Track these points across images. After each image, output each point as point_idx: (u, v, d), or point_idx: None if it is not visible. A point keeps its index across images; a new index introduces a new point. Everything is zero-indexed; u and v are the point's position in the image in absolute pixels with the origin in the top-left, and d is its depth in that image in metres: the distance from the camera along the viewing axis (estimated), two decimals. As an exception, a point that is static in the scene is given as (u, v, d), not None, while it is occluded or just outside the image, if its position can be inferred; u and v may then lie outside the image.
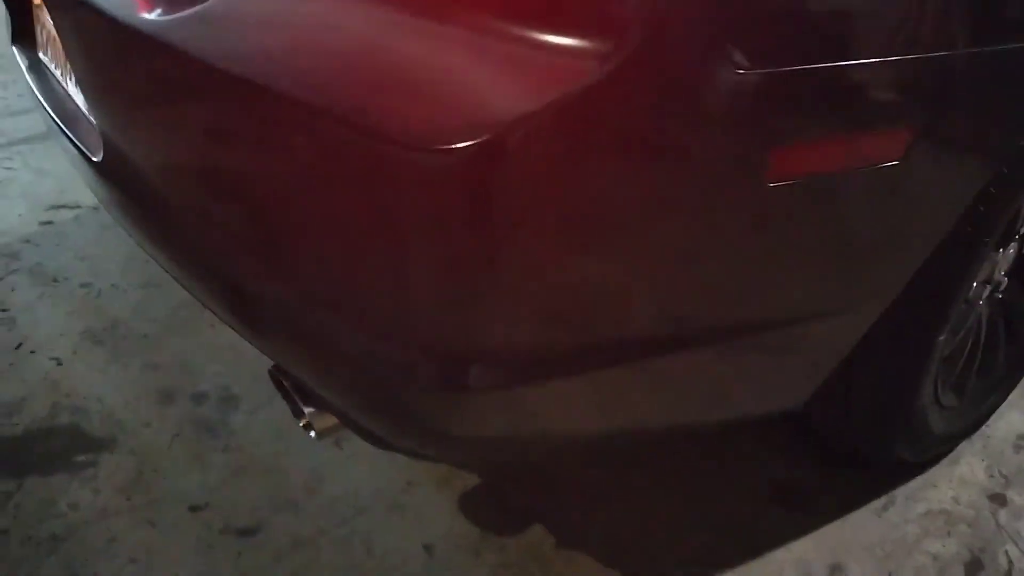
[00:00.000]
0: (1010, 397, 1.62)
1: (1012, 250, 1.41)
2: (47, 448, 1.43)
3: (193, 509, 1.34)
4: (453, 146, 0.70)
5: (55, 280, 1.83)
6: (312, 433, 1.10)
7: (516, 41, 0.70)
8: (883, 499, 1.45)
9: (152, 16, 0.90)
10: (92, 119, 1.14)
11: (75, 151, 1.17)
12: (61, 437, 1.45)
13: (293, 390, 1.05)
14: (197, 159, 0.99)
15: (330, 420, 1.06)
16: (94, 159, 1.12)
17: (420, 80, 0.73)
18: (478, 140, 0.70)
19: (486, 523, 1.34)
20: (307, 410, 1.06)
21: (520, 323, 0.85)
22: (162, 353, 1.64)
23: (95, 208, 2.08)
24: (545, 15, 0.70)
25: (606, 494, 1.40)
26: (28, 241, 1.95)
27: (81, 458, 1.41)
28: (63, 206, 2.10)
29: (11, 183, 2.18)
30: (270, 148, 0.84)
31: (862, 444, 1.46)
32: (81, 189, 2.15)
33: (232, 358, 1.63)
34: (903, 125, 0.90)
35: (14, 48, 1.46)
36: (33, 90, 1.34)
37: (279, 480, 1.39)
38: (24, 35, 1.44)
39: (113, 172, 1.13)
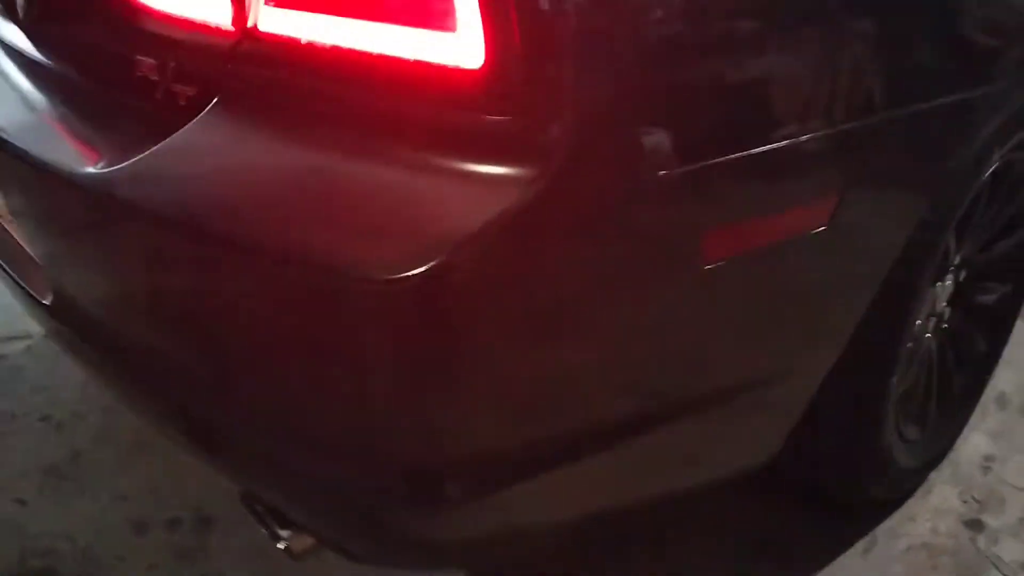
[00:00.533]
0: (971, 420, 1.66)
1: (948, 281, 1.46)
2: (20, 599, 1.39)
3: (177, 644, 1.31)
4: (403, 274, 0.73)
5: (13, 416, 1.79)
6: (291, 557, 1.09)
7: (449, 172, 0.74)
8: (866, 540, 1.47)
9: (93, 169, 0.92)
10: (40, 264, 1.15)
11: (25, 295, 1.17)
12: (34, 584, 1.41)
13: (267, 514, 1.05)
14: (146, 300, 1.00)
15: (309, 541, 1.05)
16: (44, 302, 1.12)
17: (365, 215, 0.76)
18: (427, 265, 0.73)
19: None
20: (283, 533, 1.05)
21: (488, 428, 0.87)
22: (130, 480, 1.61)
23: (46, 336, 2.05)
24: (475, 149, 0.74)
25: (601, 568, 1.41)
26: (-19, 378, 1.91)
27: (57, 604, 1.38)
28: (13, 338, 2.07)
29: (-42, 320, 2.15)
30: (219, 289, 0.86)
31: (834, 487, 1.49)
32: (29, 319, 2.12)
33: (203, 478, 1.60)
34: (825, 194, 0.95)
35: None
36: None
37: (264, 601, 1.37)
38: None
39: (63, 314, 1.13)
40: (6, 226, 1.29)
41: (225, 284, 0.84)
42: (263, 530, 1.11)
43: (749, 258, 0.93)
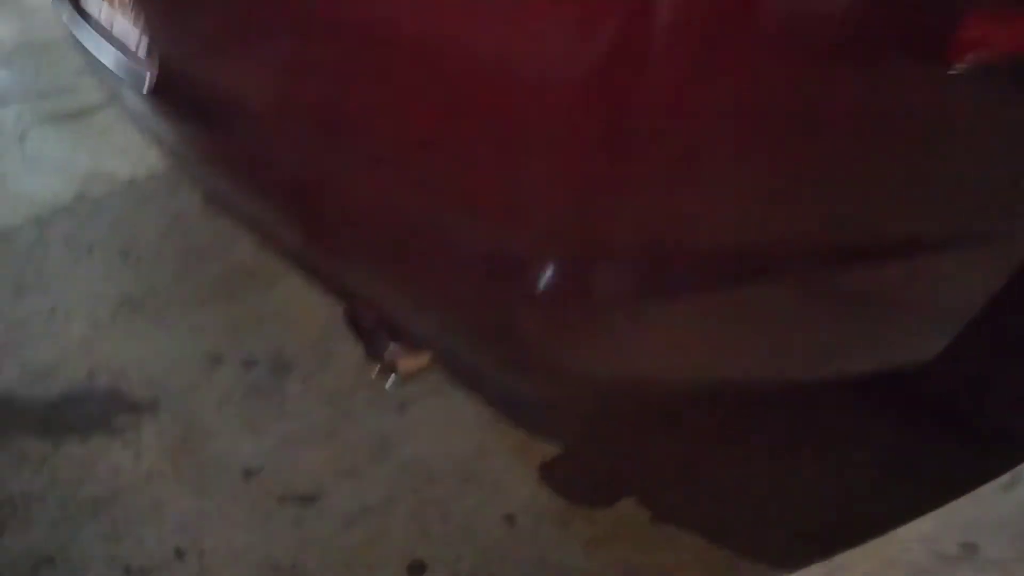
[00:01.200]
0: None
1: None
2: (84, 411, 1.30)
3: (247, 474, 1.20)
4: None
5: (90, 249, 1.71)
6: (392, 379, 0.97)
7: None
8: (1008, 476, 1.30)
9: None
10: (141, 51, 1.04)
11: (126, 90, 1.07)
12: (99, 401, 1.32)
13: (376, 327, 0.92)
14: (272, 59, 0.88)
15: (416, 359, 0.93)
16: (144, 92, 1.01)
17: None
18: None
19: (572, 494, 1.20)
20: (391, 346, 0.93)
21: (653, 223, 0.73)
22: (207, 318, 1.51)
23: (131, 181, 1.96)
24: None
25: (702, 466, 1.26)
26: (63, 210, 1.83)
27: (121, 421, 1.28)
28: (98, 179, 1.99)
29: (45, 158, 2.08)
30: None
31: (981, 416, 1.31)
32: (116, 161, 2.04)
33: (283, 324, 1.50)
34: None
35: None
36: (76, 38, 1.23)
37: (340, 447, 1.26)
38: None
39: (166, 100, 1.01)
40: (108, 26, 1.18)
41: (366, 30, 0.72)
42: (364, 346, 0.99)
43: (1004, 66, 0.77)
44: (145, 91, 1.01)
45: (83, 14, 1.28)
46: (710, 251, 0.78)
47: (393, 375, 0.97)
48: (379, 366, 1.00)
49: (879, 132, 0.78)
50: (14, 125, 2.22)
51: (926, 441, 1.33)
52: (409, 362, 0.93)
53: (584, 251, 0.73)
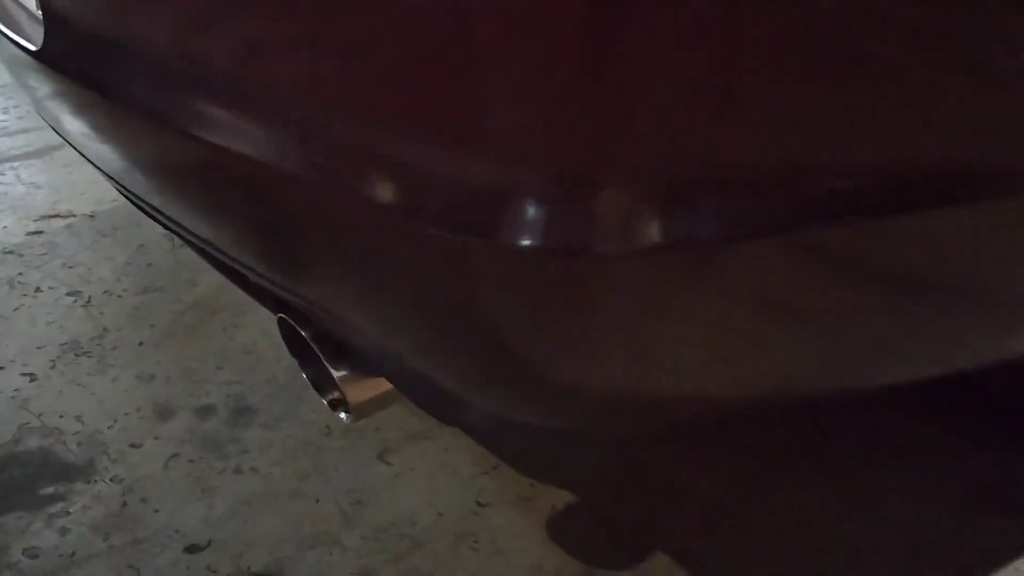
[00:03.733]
0: None
1: None
2: (7, 480, 1.09)
3: (191, 550, 0.99)
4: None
5: (38, 290, 1.52)
6: (344, 415, 0.76)
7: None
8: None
9: None
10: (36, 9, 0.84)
11: (14, 47, 0.87)
12: (25, 466, 1.11)
13: (316, 343, 0.71)
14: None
15: (371, 386, 0.71)
16: (32, 48, 0.82)
17: None
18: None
19: (588, 553, 0.98)
20: (337, 374, 0.71)
21: (683, 129, 0.48)
22: (160, 362, 1.31)
23: (90, 216, 1.78)
24: None
25: (749, 509, 1.03)
26: (11, 252, 1.65)
27: (48, 490, 1.07)
28: (56, 216, 1.81)
29: (0, 196, 1.91)
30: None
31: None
32: (76, 198, 1.86)
33: (246, 366, 1.30)
34: None
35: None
36: None
37: (307, 508, 1.04)
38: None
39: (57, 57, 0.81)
40: None
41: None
42: (306, 373, 0.78)
43: None
44: (37, 48, 0.81)
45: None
46: (754, 182, 0.52)
47: (343, 411, 0.75)
48: (327, 399, 0.78)
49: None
50: (-28, 165, 2.06)
51: (1012, 465, 1.09)
52: (358, 390, 0.72)
53: (575, 177, 0.48)
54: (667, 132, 0.48)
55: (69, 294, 1.50)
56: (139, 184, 0.77)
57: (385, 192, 0.52)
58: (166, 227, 0.81)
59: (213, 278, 1.46)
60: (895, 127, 0.56)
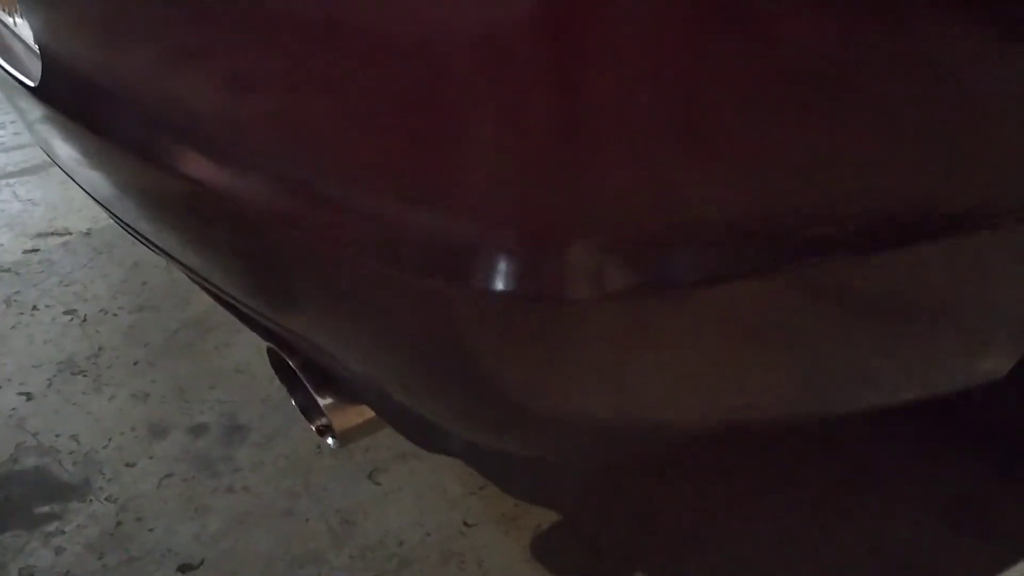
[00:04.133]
0: None
1: None
2: (3, 499, 1.11)
3: (185, 569, 1.01)
4: None
5: (35, 308, 1.54)
6: (331, 440, 0.78)
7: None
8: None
9: None
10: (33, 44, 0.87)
11: (13, 82, 0.89)
12: (22, 485, 1.14)
13: (302, 372, 0.74)
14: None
15: (356, 414, 0.74)
16: (31, 84, 0.84)
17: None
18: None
19: (572, 572, 1.00)
20: (323, 402, 0.74)
21: (645, 186, 0.51)
22: (155, 381, 1.33)
23: (86, 233, 1.81)
24: None
25: (733, 527, 1.05)
26: (8, 270, 1.67)
27: (44, 509, 1.10)
28: (52, 233, 1.83)
29: (-3, 215, 1.93)
30: None
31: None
32: (72, 215, 1.89)
33: (240, 385, 1.32)
34: None
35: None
36: None
37: (297, 527, 1.06)
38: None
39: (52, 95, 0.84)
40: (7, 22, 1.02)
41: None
42: (295, 400, 0.81)
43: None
44: (35, 84, 0.84)
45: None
46: (720, 228, 0.56)
47: (330, 436, 0.78)
48: (315, 425, 0.81)
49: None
50: (-30, 182, 2.09)
51: (1003, 483, 1.12)
52: (344, 417, 0.74)
53: (544, 232, 0.51)
54: (628, 190, 0.51)
55: (65, 312, 1.53)
56: (127, 213, 0.79)
57: (365, 240, 0.55)
58: (156, 252, 0.83)
59: (207, 297, 1.48)
60: (860, 169, 0.59)
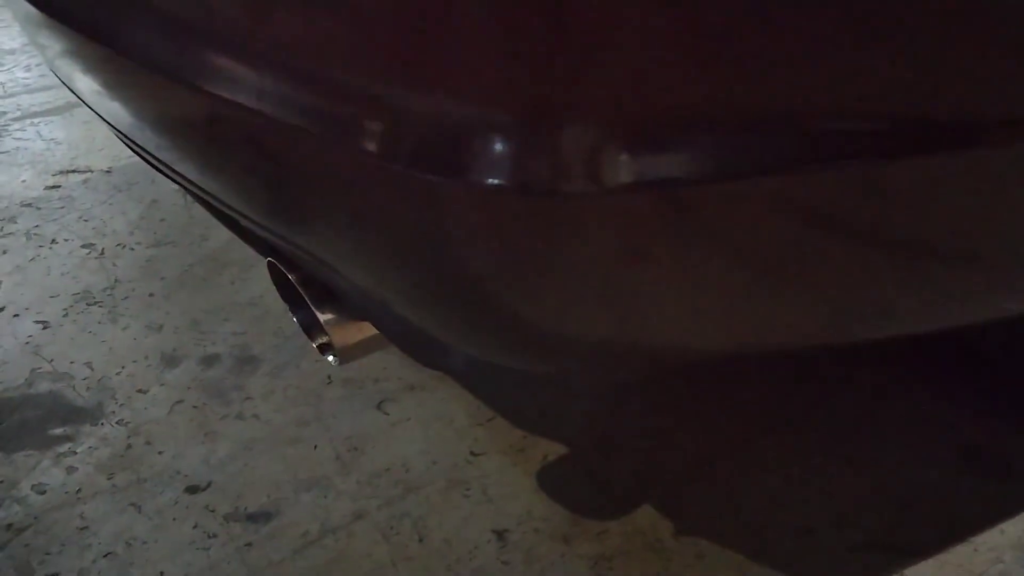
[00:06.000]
0: None
1: None
2: (17, 421, 1.13)
3: (191, 490, 1.02)
4: None
5: (54, 242, 1.55)
6: (332, 358, 0.78)
7: None
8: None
9: None
10: None
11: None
12: (36, 407, 1.15)
13: (303, 288, 0.73)
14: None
15: (356, 330, 0.73)
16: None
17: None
18: None
19: (576, 503, 1.00)
20: (324, 318, 0.73)
21: (656, 60, 0.48)
22: (169, 313, 1.34)
23: (107, 171, 1.81)
24: None
25: (739, 463, 1.04)
26: (29, 205, 1.69)
27: (57, 431, 1.11)
28: (73, 171, 1.84)
29: (20, 152, 1.94)
30: None
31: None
32: (94, 154, 1.89)
33: (253, 317, 1.32)
34: None
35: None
36: None
37: (305, 453, 1.07)
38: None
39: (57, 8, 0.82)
40: None
41: None
42: (296, 317, 0.80)
43: None
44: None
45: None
46: (734, 119, 0.51)
47: (331, 353, 0.78)
48: (316, 343, 0.81)
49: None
50: (-5, 121, 2.10)
51: (1014, 426, 1.09)
52: (344, 334, 0.74)
53: (538, 113, 0.48)
54: (635, 67, 0.48)
55: (83, 246, 1.54)
56: (129, 127, 0.79)
57: (355, 133, 0.53)
58: (157, 169, 0.83)
59: (224, 233, 1.48)
60: (879, 67, 0.56)
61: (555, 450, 1.06)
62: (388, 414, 1.12)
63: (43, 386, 1.19)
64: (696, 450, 1.06)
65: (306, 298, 0.73)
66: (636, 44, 0.47)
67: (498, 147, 0.49)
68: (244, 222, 0.75)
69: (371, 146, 0.53)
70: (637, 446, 1.07)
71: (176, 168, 0.75)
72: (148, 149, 0.77)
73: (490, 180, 0.49)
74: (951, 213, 0.70)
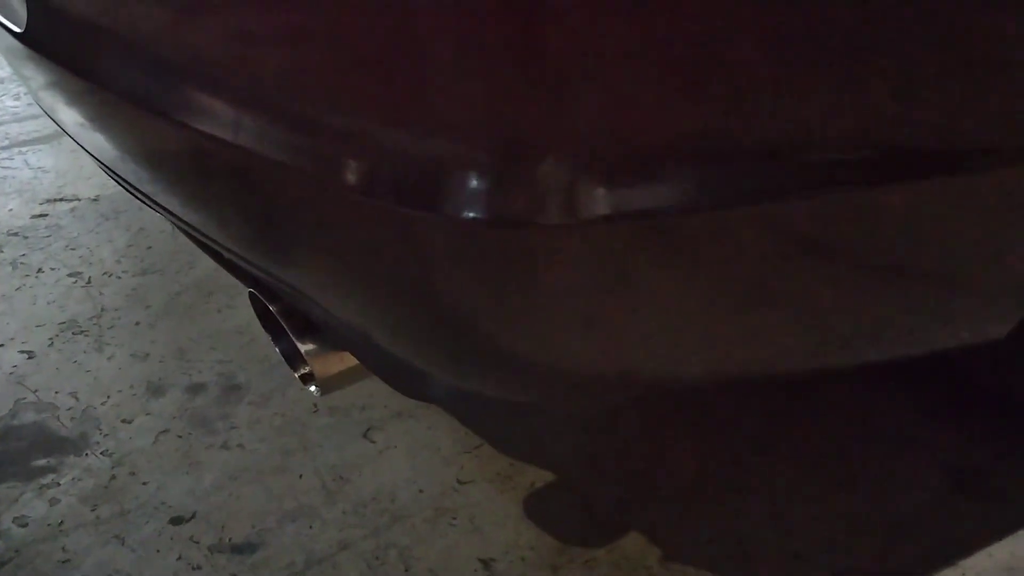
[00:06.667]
0: None
1: None
2: (1, 452, 1.12)
3: (176, 521, 1.01)
4: None
5: (40, 271, 1.55)
6: (313, 388, 0.77)
7: None
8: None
9: None
10: None
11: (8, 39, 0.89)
12: (19, 439, 1.14)
13: (284, 319, 0.73)
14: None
15: (337, 361, 0.73)
16: (16, 30, 0.84)
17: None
18: None
19: (564, 531, 0.99)
20: (304, 348, 0.73)
21: (628, 97, 0.49)
22: (155, 341, 1.33)
23: (94, 200, 1.81)
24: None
25: (725, 488, 1.04)
26: (16, 234, 1.68)
27: (41, 462, 1.10)
28: (60, 199, 1.84)
29: (8, 180, 1.94)
30: None
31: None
32: (81, 183, 1.89)
33: (239, 345, 1.32)
34: None
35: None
36: None
37: (291, 483, 1.06)
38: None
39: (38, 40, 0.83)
40: None
41: None
42: (277, 347, 0.80)
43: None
44: (20, 30, 0.83)
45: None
46: (707, 152, 0.53)
47: (313, 384, 0.77)
48: (298, 373, 0.81)
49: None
50: (-17, 150, 2.10)
51: (1001, 449, 1.09)
52: (325, 364, 0.74)
53: (515, 148, 0.49)
54: (605, 106, 0.49)
55: (70, 275, 1.53)
56: (111, 159, 0.79)
57: (336, 168, 0.54)
58: (141, 200, 0.83)
59: (210, 261, 1.48)
60: (857, 96, 0.56)
61: (542, 477, 1.06)
62: (374, 442, 1.12)
63: (27, 416, 1.18)
64: (684, 475, 1.06)
65: (287, 329, 0.73)
66: (606, 84, 0.47)
67: (476, 182, 0.49)
68: (227, 254, 0.75)
69: (352, 181, 0.53)
70: (624, 472, 1.06)
71: (159, 200, 0.75)
72: (130, 181, 0.78)
73: (470, 214, 0.50)
74: (932, 239, 0.70)
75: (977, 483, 1.05)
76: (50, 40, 0.81)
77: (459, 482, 1.05)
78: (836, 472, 1.06)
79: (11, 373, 1.27)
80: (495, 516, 1.00)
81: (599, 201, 0.50)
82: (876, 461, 1.08)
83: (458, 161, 0.50)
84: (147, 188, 0.76)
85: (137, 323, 1.38)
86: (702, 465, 1.07)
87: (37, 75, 0.86)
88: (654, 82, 0.49)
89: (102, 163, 0.85)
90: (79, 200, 1.83)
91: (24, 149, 2.11)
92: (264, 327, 0.80)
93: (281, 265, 0.66)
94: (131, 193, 0.84)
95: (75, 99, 0.80)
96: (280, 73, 0.56)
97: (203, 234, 0.73)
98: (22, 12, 0.84)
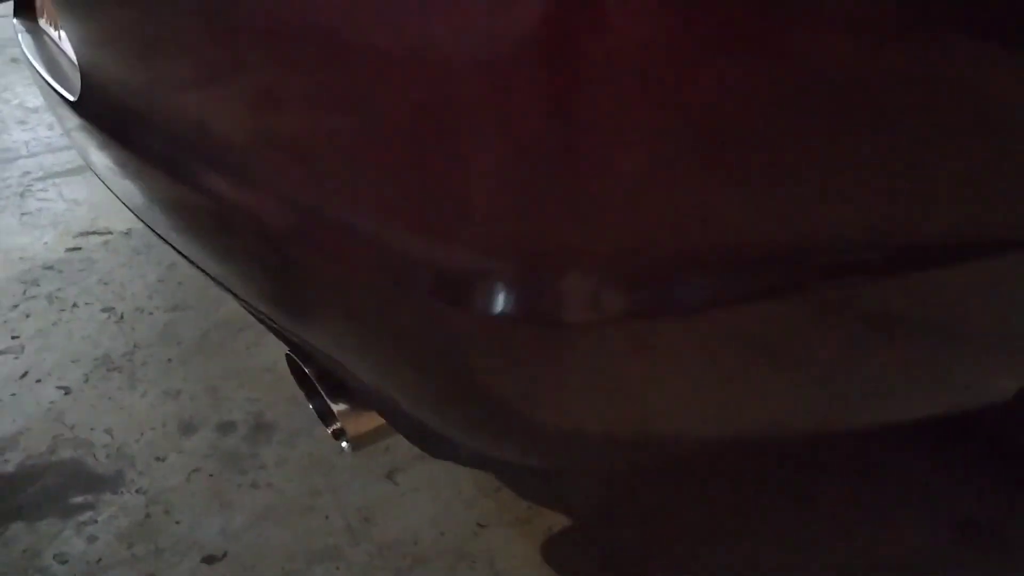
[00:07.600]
0: None
1: None
2: (41, 488, 1.17)
3: (209, 560, 1.05)
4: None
5: (75, 305, 1.61)
6: (344, 444, 0.82)
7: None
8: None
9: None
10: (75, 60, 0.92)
11: (55, 95, 0.94)
12: (58, 475, 1.19)
13: (318, 380, 0.77)
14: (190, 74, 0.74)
15: (367, 420, 0.77)
16: (70, 98, 0.89)
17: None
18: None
19: (582, 574, 1.03)
20: (337, 408, 0.77)
21: (645, 214, 0.54)
22: (187, 379, 1.38)
23: (126, 233, 1.87)
24: None
25: (742, 537, 1.07)
26: (51, 268, 1.74)
27: (79, 499, 1.15)
28: (93, 232, 1.90)
29: (43, 213, 2.00)
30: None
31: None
32: (114, 216, 1.95)
33: (269, 382, 1.36)
34: None
35: (15, 20, 1.27)
36: (25, 52, 1.14)
37: (318, 523, 1.10)
38: (25, 6, 1.26)
39: (90, 110, 0.88)
40: (55, 40, 1.08)
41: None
42: (312, 404, 0.84)
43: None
44: (74, 98, 0.89)
45: (37, 33, 1.19)
46: (720, 256, 0.58)
47: (344, 440, 0.82)
48: (330, 429, 0.85)
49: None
50: (18, 181, 2.17)
51: (1006, 501, 1.12)
52: (357, 423, 0.78)
53: (542, 260, 0.55)
54: (624, 220, 0.54)
55: (103, 310, 1.59)
56: (154, 220, 0.84)
57: (373, 263, 0.58)
58: (182, 256, 0.88)
59: (239, 297, 1.54)
60: (869, 194, 0.61)
61: (560, 521, 1.09)
62: (398, 484, 1.16)
63: (65, 453, 1.23)
64: (700, 522, 1.09)
65: (321, 390, 0.78)
66: (624, 202, 0.52)
67: (507, 286, 0.54)
68: (268, 322, 0.79)
69: (394, 278, 0.58)
70: (642, 517, 1.10)
71: (198, 264, 0.80)
72: (172, 244, 0.83)
73: (501, 313, 0.54)
74: (942, 317, 0.74)
75: (985, 534, 1.07)
76: (99, 111, 0.86)
77: (479, 525, 1.09)
78: (847, 521, 1.09)
79: (49, 409, 1.33)
80: (514, 561, 1.04)
81: (621, 304, 0.54)
82: (885, 510, 1.10)
83: (486, 267, 0.55)
84: (193, 256, 0.81)
85: (169, 360, 1.43)
86: (715, 515, 1.10)
87: (87, 140, 0.91)
88: (666, 204, 0.54)
89: (149, 225, 0.90)
90: (111, 233, 1.89)
91: (58, 180, 2.18)
92: (299, 385, 0.84)
93: (318, 339, 0.71)
94: (177, 251, 0.89)
95: (120, 166, 0.85)
96: (318, 175, 0.61)
97: (247, 304, 0.78)
98: (76, 82, 0.89)
